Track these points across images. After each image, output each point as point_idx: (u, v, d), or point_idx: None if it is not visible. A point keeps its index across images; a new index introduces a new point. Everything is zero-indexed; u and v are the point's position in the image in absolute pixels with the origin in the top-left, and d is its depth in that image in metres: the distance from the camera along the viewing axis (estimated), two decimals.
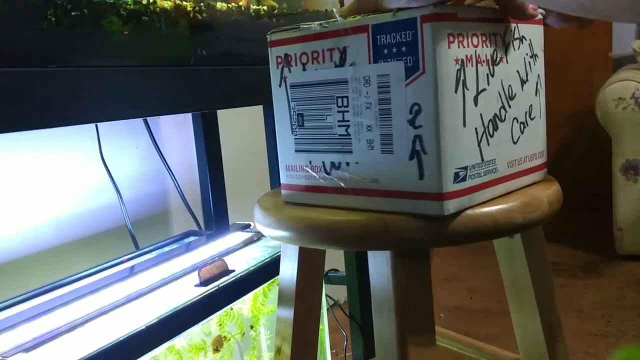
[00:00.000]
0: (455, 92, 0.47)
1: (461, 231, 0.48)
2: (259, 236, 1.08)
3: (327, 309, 1.26)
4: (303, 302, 0.64)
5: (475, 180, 0.49)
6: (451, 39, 0.46)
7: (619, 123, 2.08)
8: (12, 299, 0.81)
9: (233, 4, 0.90)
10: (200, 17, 0.84)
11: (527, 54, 0.55)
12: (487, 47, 0.49)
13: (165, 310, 0.75)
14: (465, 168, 0.48)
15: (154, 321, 0.72)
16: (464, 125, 0.48)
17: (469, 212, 0.48)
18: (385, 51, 0.48)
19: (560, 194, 0.56)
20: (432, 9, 0.45)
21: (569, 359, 0.66)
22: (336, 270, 1.44)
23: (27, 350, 0.66)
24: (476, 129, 0.49)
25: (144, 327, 0.71)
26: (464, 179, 0.48)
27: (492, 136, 0.50)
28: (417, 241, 0.48)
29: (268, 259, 0.95)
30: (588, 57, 2.81)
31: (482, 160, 0.50)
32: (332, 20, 0.52)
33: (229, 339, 0.89)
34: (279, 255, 0.65)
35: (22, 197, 0.96)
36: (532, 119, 0.57)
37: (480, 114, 0.49)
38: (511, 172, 0.54)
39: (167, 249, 1.03)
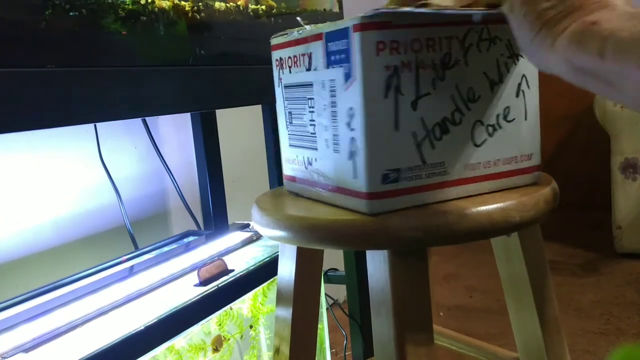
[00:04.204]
0: (386, 97, 0.49)
1: (458, 230, 0.48)
2: (258, 236, 1.08)
3: (327, 309, 1.26)
4: (302, 302, 0.64)
5: (413, 182, 0.51)
6: (381, 46, 0.48)
7: (617, 121, 2.08)
8: (12, 299, 0.81)
9: (231, 3, 0.90)
10: (198, 16, 0.84)
11: (501, 55, 0.54)
12: (434, 51, 0.50)
13: (164, 310, 0.75)
14: (398, 170, 0.50)
15: (153, 321, 0.72)
16: (397, 129, 0.50)
17: (465, 211, 0.48)
18: (333, 58, 0.52)
19: (557, 192, 0.56)
20: (361, 19, 0.48)
21: (569, 358, 0.66)
22: (336, 269, 1.44)
23: (27, 350, 0.66)
24: (414, 132, 0.51)
25: (143, 327, 0.71)
26: (395, 180, 0.50)
27: (439, 139, 0.52)
28: (414, 240, 0.48)
29: (267, 259, 0.96)
30: None
31: (424, 162, 0.51)
32: (301, 28, 0.57)
33: (229, 339, 0.89)
34: (278, 255, 0.66)
35: (21, 197, 0.96)
36: (509, 121, 0.55)
37: (421, 118, 0.51)
38: (473, 175, 0.54)
39: (166, 249, 1.04)
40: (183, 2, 0.81)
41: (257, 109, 1.21)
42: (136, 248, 1.07)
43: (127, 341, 0.68)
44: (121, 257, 0.98)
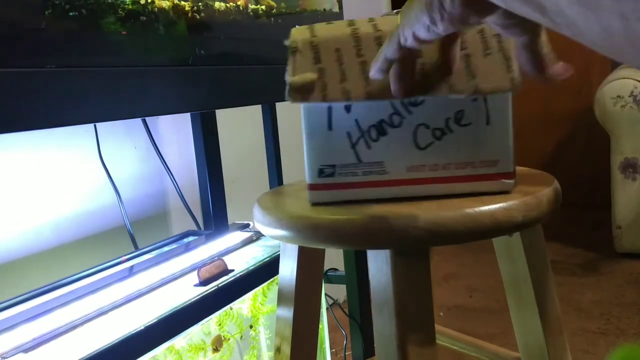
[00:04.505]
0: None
1: (461, 230, 0.48)
2: (258, 236, 1.08)
3: (327, 308, 1.26)
4: (303, 301, 0.64)
5: (349, 177, 0.56)
6: None
7: (617, 121, 2.08)
8: (12, 299, 0.81)
9: (231, 3, 0.90)
10: (198, 16, 0.84)
11: None
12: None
13: (164, 310, 0.75)
14: (333, 166, 0.55)
15: (153, 321, 0.72)
16: (330, 129, 0.55)
17: (468, 210, 0.48)
18: None
19: (560, 192, 0.56)
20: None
21: (570, 358, 0.66)
22: (336, 269, 1.44)
23: (27, 350, 0.66)
24: (349, 133, 0.55)
25: (143, 327, 0.71)
26: (331, 175, 0.56)
27: (375, 140, 0.55)
28: (416, 240, 0.48)
29: (267, 259, 0.96)
30: (586, 55, 2.81)
31: (360, 161, 0.55)
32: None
33: (229, 339, 0.89)
34: (279, 255, 0.66)
35: (22, 197, 0.96)
36: (463, 125, 0.54)
37: (356, 120, 0.55)
38: (418, 176, 0.55)
39: (166, 249, 1.03)
40: (183, 2, 0.81)
41: (257, 109, 1.21)
42: (136, 248, 1.07)
43: (127, 341, 0.68)
44: (121, 257, 0.98)
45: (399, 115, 0.54)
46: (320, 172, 0.56)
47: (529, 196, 0.51)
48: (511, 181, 0.54)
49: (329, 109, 0.55)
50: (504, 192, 0.53)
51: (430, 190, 0.55)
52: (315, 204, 0.56)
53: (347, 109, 0.55)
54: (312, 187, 0.56)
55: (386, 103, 0.54)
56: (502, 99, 0.53)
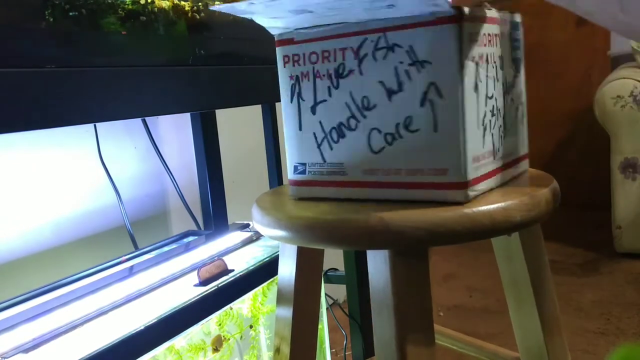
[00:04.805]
0: (291, 102, 0.59)
1: (459, 230, 0.48)
2: (258, 236, 1.08)
3: (327, 308, 1.26)
4: (302, 302, 0.64)
5: (317, 176, 0.59)
6: (286, 59, 0.59)
7: (617, 121, 2.08)
8: (12, 299, 0.81)
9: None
10: (198, 16, 0.84)
11: (401, 63, 0.52)
12: (329, 62, 0.56)
13: (164, 310, 0.75)
14: (304, 164, 0.60)
15: (153, 321, 0.72)
16: (300, 129, 0.59)
17: (466, 210, 0.48)
18: None
19: (559, 192, 0.56)
20: (277, 37, 0.59)
21: (569, 357, 0.66)
22: (336, 269, 1.44)
23: (27, 350, 0.66)
24: (314, 133, 0.58)
25: (143, 327, 0.71)
26: (303, 172, 0.60)
27: (336, 142, 0.57)
28: (415, 240, 0.48)
29: (267, 259, 0.96)
30: (586, 56, 2.81)
31: (324, 161, 0.58)
32: None
33: (229, 339, 0.89)
34: (278, 255, 0.66)
35: (22, 197, 0.96)
36: (411, 132, 0.53)
37: (320, 122, 0.58)
38: (373, 180, 0.56)
39: (166, 249, 1.04)
40: (183, 2, 0.81)
41: (257, 109, 1.21)
42: (136, 248, 1.07)
43: (127, 341, 0.68)
44: (121, 257, 0.98)
45: (355, 119, 0.55)
46: (295, 169, 0.60)
47: (527, 196, 0.51)
48: (461, 191, 0.51)
49: (299, 110, 0.59)
50: (457, 203, 0.51)
51: (385, 194, 0.55)
52: (299, 199, 0.61)
53: (313, 110, 0.58)
54: (291, 182, 0.61)
55: (343, 106, 0.56)
56: (451, 106, 0.50)
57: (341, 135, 0.57)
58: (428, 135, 0.52)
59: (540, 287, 0.62)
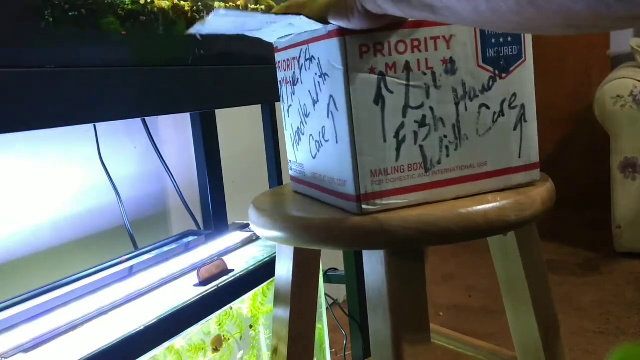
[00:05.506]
0: (282, 102, 0.64)
1: (454, 229, 0.48)
2: (257, 236, 1.08)
3: (327, 308, 1.26)
4: (299, 302, 0.64)
5: (294, 173, 0.65)
6: (277, 64, 0.64)
7: (617, 121, 2.08)
8: (12, 299, 0.81)
9: (231, 3, 0.91)
10: (198, 16, 0.84)
11: (315, 74, 0.53)
12: (289, 69, 0.60)
13: (164, 310, 0.75)
14: (291, 162, 0.65)
15: (153, 321, 0.73)
16: (285, 129, 0.65)
17: (461, 210, 0.49)
18: None
19: (554, 192, 0.56)
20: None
21: (567, 357, 0.66)
22: (335, 269, 1.44)
23: (27, 350, 0.66)
24: (290, 135, 0.63)
25: (143, 327, 0.71)
26: (291, 169, 0.65)
27: (298, 144, 0.62)
28: (410, 240, 0.48)
29: (267, 259, 0.96)
30: (586, 55, 2.81)
31: (296, 160, 0.63)
32: None
33: (229, 339, 0.89)
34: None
35: (21, 197, 0.96)
36: (326, 141, 0.54)
37: (291, 124, 0.62)
38: (315, 183, 0.59)
39: (166, 249, 1.04)
40: (182, 2, 0.81)
41: (257, 109, 1.21)
42: (136, 248, 1.07)
43: (127, 341, 0.69)
44: (121, 257, 0.98)
45: (303, 124, 0.58)
46: (289, 166, 0.66)
47: (522, 195, 0.52)
48: (355, 204, 0.50)
49: (282, 111, 0.64)
50: (356, 214, 0.50)
51: (322, 197, 0.58)
52: (296, 199, 0.63)
53: (287, 113, 0.62)
54: (290, 177, 0.66)
55: (298, 112, 0.59)
56: (343, 118, 0.50)
57: (299, 138, 0.61)
58: (334, 146, 0.53)
59: (537, 286, 0.62)
